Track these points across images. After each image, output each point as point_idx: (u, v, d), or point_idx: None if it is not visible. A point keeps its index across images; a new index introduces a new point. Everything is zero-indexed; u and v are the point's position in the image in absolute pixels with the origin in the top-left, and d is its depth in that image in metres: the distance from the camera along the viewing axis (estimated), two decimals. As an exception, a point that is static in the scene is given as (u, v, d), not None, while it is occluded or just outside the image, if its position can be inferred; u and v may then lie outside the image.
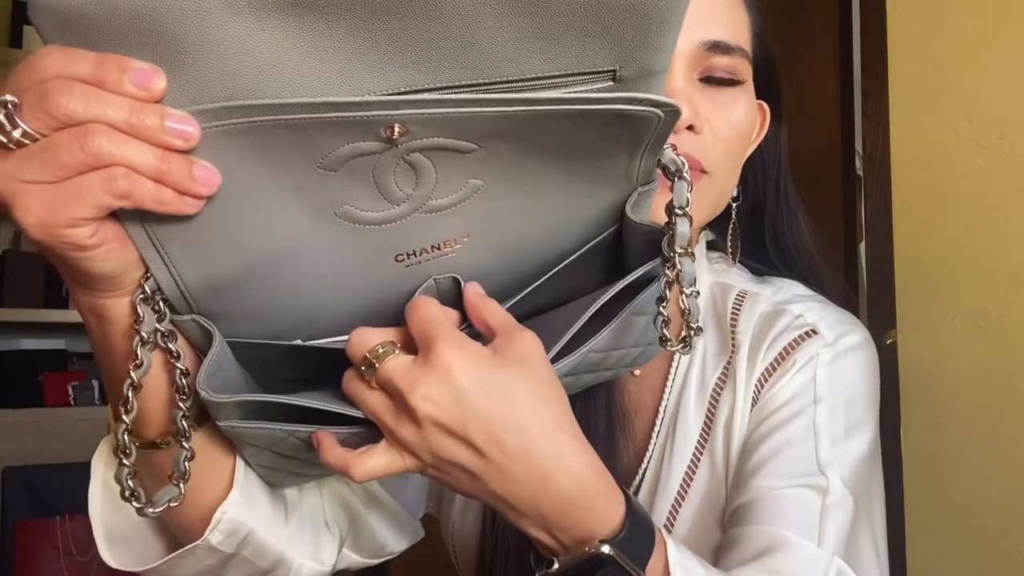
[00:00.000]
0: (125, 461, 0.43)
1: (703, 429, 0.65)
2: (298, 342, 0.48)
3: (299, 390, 0.48)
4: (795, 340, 0.64)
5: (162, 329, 0.42)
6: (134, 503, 0.43)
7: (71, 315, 2.12)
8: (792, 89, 0.80)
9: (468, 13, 0.34)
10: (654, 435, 0.67)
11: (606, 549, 0.45)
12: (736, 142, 0.65)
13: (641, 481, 0.67)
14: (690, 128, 0.61)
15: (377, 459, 0.44)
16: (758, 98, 0.68)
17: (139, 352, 0.41)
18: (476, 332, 0.47)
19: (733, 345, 0.66)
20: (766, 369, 0.64)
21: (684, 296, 0.45)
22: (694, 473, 0.65)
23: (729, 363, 0.66)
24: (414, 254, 0.44)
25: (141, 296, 0.40)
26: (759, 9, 0.68)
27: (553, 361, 0.47)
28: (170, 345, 0.42)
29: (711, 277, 0.71)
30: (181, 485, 0.44)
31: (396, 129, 0.36)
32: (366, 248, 0.43)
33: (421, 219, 0.42)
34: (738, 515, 0.59)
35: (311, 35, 0.34)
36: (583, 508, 0.45)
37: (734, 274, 0.72)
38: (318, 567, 0.57)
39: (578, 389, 0.54)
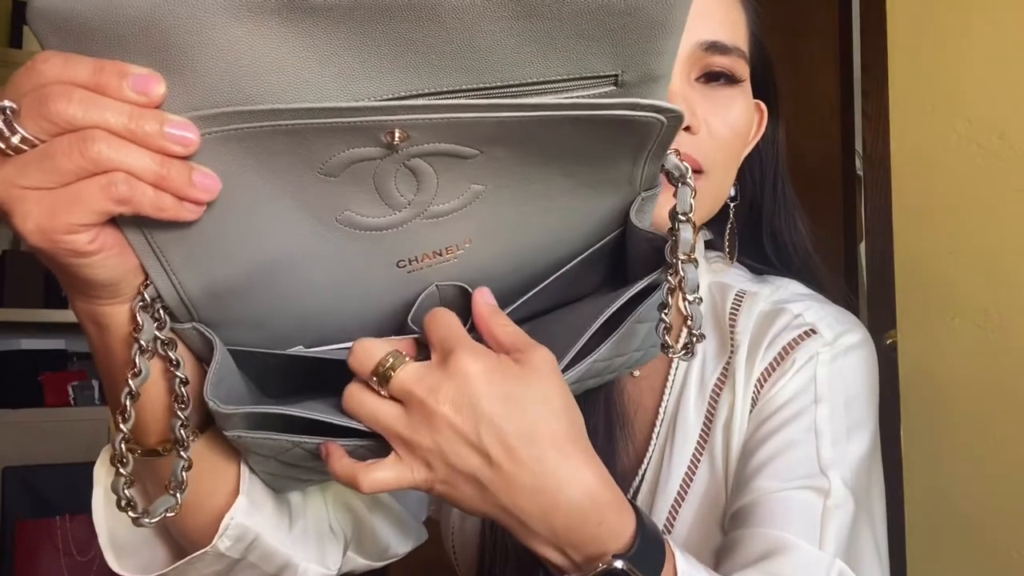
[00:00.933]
0: (122, 471, 0.43)
1: (703, 430, 0.65)
2: (298, 348, 0.48)
3: (300, 396, 0.48)
4: (794, 340, 0.64)
5: (162, 337, 0.41)
6: (130, 513, 0.43)
7: (71, 315, 2.09)
8: (792, 89, 0.80)
9: (468, 17, 0.34)
10: (654, 436, 0.67)
11: (619, 564, 0.44)
12: (733, 142, 0.65)
13: (641, 482, 0.67)
14: (687, 129, 0.61)
15: (386, 472, 0.43)
16: (755, 97, 0.68)
17: (138, 360, 0.41)
18: (480, 337, 0.47)
19: (732, 345, 0.66)
20: (765, 369, 0.64)
21: (687, 303, 0.45)
22: (694, 474, 0.64)
23: (728, 363, 0.66)
24: (415, 260, 0.44)
25: (140, 304, 0.40)
26: (755, 8, 0.68)
27: (563, 372, 0.46)
28: (170, 353, 0.42)
29: (709, 277, 0.71)
30: (178, 495, 0.44)
31: (397, 134, 0.36)
32: (367, 254, 0.43)
33: (422, 225, 0.42)
34: (739, 517, 0.59)
35: (310, 40, 0.34)
36: (596, 523, 0.44)
37: (732, 273, 0.71)
38: (324, 571, 0.57)
39: (579, 391, 0.54)
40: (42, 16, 0.31)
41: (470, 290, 0.47)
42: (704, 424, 0.65)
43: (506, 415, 0.42)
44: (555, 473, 0.43)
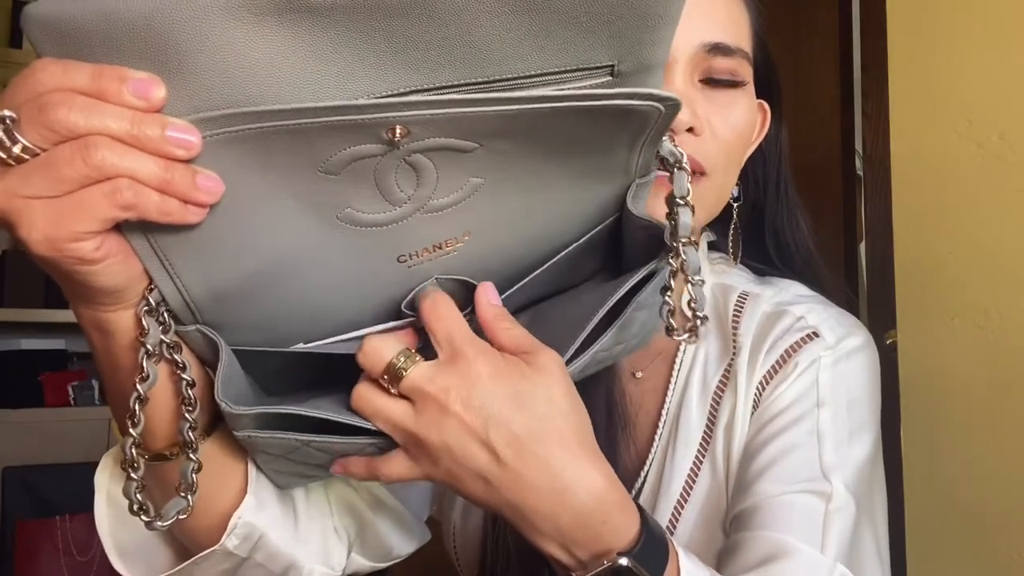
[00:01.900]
0: (133, 475, 0.43)
1: (705, 432, 0.65)
2: (300, 346, 0.48)
3: (305, 394, 0.48)
4: (797, 343, 0.64)
5: (167, 341, 0.41)
6: (143, 517, 0.43)
7: (71, 315, 2.08)
8: (792, 89, 0.80)
9: (466, 12, 0.34)
10: (656, 438, 0.67)
11: (624, 561, 0.45)
12: (736, 143, 0.65)
13: (643, 484, 0.67)
14: (690, 130, 0.61)
15: (395, 467, 0.46)
16: (758, 97, 0.68)
17: (145, 365, 0.40)
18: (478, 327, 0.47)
19: (734, 347, 0.66)
20: (767, 372, 0.64)
21: (690, 285, 0.45)
22: (696, 476, 0.64)
23: (730, 366, 0.66)
24: (416, 254, 0.45)
25: (145, 308, 0.39)
26: (758, 8, 0.68)
27: (566, 363, 0.47)
28: (175, 356, 0.42)
29: (712, 278, 0.71)
30: (189, 497, 0.44)
31: (398, 131, 0.36)
32: (368, 250, 0.43)
33: (422, 219, 0.42)
34: (741, 520, 0.59)
35: (309, 39, 0.33)
36: (601, 522, 0.45)
37: (735, 275, 0.71)
38: (328, 571, 0.57)
39: (579, 379, 0.54)
40: (38, 23, 0.31)
41: (471, 282, 0.48)
42: (706, 426, 0.65)
43: (515, 414, 0.43)
44: (562, 472, 0.44)
